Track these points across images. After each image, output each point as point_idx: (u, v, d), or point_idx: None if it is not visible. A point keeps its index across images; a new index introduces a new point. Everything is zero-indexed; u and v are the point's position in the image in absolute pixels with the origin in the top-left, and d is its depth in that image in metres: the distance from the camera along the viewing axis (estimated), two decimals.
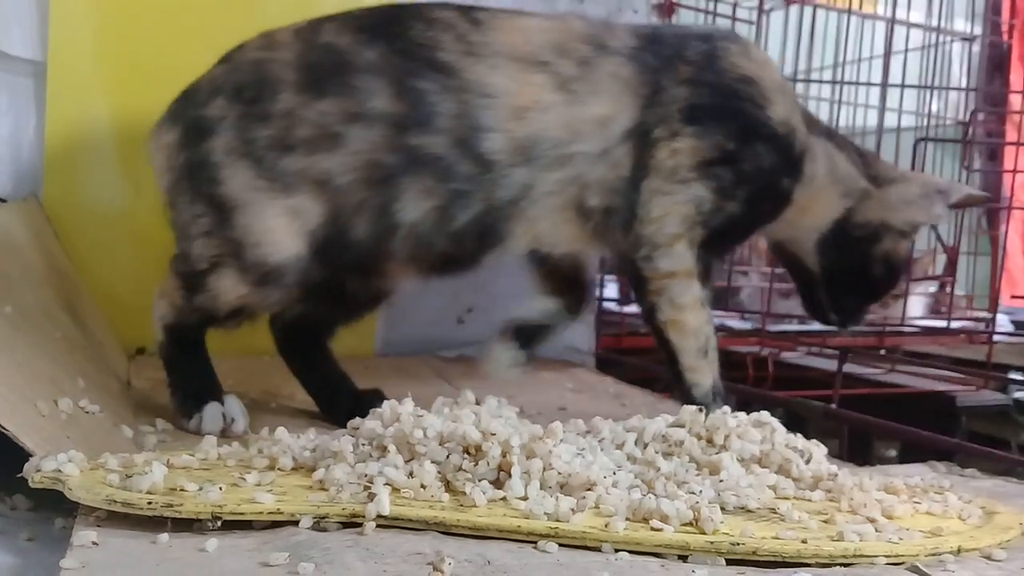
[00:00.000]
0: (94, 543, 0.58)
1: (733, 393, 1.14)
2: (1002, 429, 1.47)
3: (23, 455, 0.67)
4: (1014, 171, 1.50)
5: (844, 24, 1.63)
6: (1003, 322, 1.83)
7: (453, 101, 0.93)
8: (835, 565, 0.62)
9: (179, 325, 0.98)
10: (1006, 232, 1.89)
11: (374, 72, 0.93)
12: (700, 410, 0.81)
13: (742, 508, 0.70)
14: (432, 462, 0.69)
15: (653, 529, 0.64)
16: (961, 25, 2.09)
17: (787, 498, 0.73)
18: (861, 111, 1.89)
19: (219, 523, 0.62)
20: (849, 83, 1.77)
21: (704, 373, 1.00)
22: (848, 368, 1.35)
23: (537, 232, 0.98)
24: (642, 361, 1.47)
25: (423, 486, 0.67)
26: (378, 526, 0.62)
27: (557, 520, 0.64)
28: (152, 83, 1.04)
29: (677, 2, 1.75)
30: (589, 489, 0.68)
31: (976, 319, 1.83)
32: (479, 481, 0.68)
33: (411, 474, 0.68)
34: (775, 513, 0.69)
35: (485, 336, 1.08)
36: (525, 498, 0.66)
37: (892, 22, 1.59)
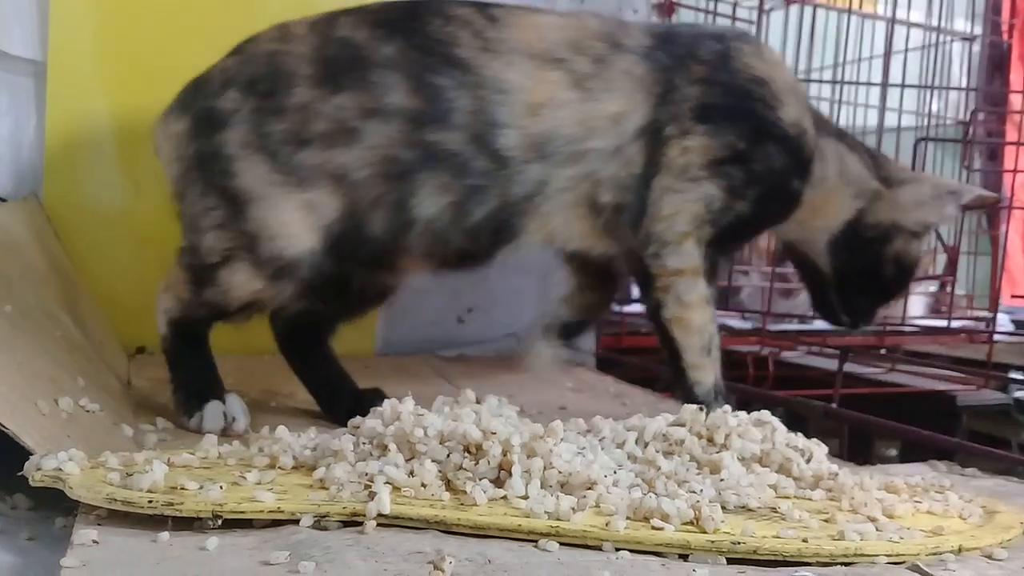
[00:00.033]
0: (94, 542, 0.58)
1: (733, 392, 1.14)
2: (1003, 428, 1.47)
3: (23, 454, 0.67)
4: (1014, 171, 1.50)
5: (844, 24, 1.63)
6: (1003, 321, 1.83)
7: (469, 97, 0.93)
8: (836, 564, 0.62)
9: (185, 319, 0.97)
10: (1006, 232, 1.89)
11: (392, 67, 0.93)
12: (701, 409, 0.82)
13: (743, 507, 0.70)
14: (433, 461, 0.69)
15: (654, 528, 0.64)
16: (961, 25, 2.09)
17: (788, 497, 0.73)
18: (861, 111, 1.89)
19: (220, 522, 0.62)
20: (849, 83, 1.76)
21: (706, 371, 1.01)
22: (848, 367, 1.35)
23: (550, 228, 0.99)
24: (642, 361, 1.47)
25: (424, 485, 0.67)
26: (379, 525, 0.62)
27: (558, 519, 0.64)
28: (152, 83, 1.04)
29: (677, 1, 1.75)
30: (590, 488, 0.68)
31: (976, 318, 1.83)
32: (480, 480, 0.68)
33: (412, 473, 0.68)
34: (776, 512, 0.69)
35: (485, 336, 1.09)
36: (526, 497, 0.66)
37: (892, 22, 1.59)
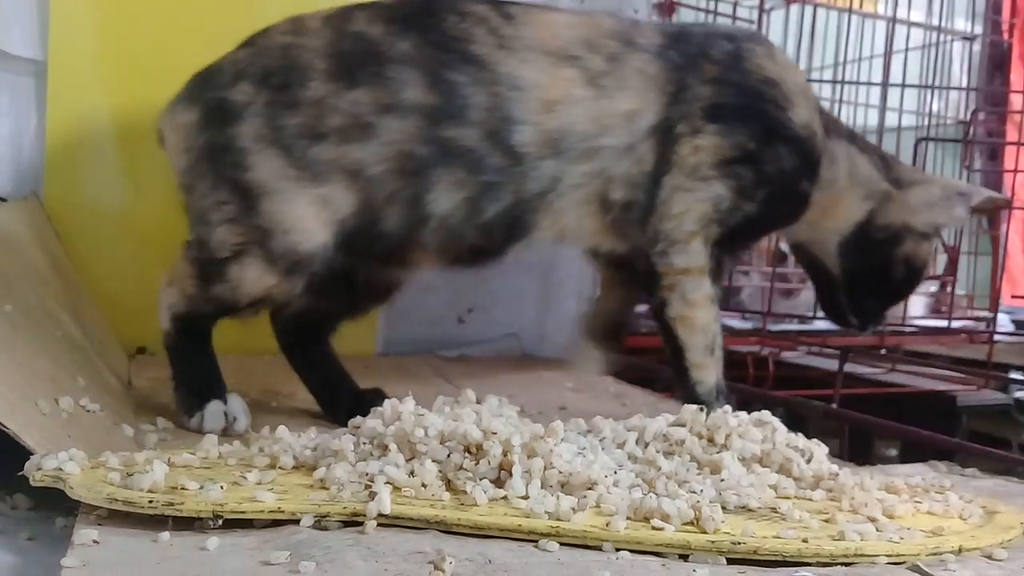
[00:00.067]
0: (95, 541, 0.58)
1: (734, 392, 1.14)
2: (1003, 428, 1.47)
3: (24, 454, 0.67)
4: (1015, 171, 1.50)
5: (844, 23, 1.63)
6: (1004, 321, 1.83)
7: (485, 94, 0.94)
8: (836, 564, 0.62)
9: (190, 315, 0.96)
10: (1007, 232, 1.89)
11: (408, 63, 0.94)
12: (701, 409, 0.82)
13: (743, 507, 0.70)
14: (433, 461, 0.69)
15: (654, 528, 0.64)
16: (962, 24, 2.09)
17: (788, 497, 0.73)
18: (862, 110, 1.89)
19: (220, 522, 0.62)
20: (850, 82, 1.76)
21: (709, 371, 1.01)
22: (849, 368, 1.35)
23: (562, 225, 0.99)
24: (643, 360, 1.47)
25: (424, 485, 0.67)
26: (379, 525, 0.62)
27: (558, 519, 0.64)
28: (152, 82, 1.04)
29: (677, 1, 1.75)
30: (590, 488, 0.68)
31: (977, 319, 1.83)
32: (480, 480, 0.68)
33: (412, 473, 0.68)
34: (776, 512, 0.69)
35: (485, 336, 1.10)
36: (526, 497, 0.66)
37: (893, 21, 1.59)
